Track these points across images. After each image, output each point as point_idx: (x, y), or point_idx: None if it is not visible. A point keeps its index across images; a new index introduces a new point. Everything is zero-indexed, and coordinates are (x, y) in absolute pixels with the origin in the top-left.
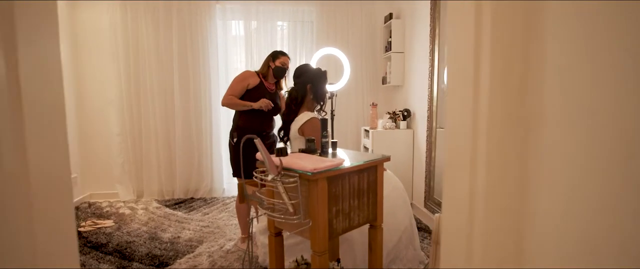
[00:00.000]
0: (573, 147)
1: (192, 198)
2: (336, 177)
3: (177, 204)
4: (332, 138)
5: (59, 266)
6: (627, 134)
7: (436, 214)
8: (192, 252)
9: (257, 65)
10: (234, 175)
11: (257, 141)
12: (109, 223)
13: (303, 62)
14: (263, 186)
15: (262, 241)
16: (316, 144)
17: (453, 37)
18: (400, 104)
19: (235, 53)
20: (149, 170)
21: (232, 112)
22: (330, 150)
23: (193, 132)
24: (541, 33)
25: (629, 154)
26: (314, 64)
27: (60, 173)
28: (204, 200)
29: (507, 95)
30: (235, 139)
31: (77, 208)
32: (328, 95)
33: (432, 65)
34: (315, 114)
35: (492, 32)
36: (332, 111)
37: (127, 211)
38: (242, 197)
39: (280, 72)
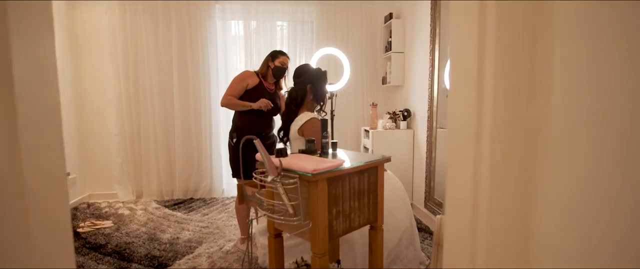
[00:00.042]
0: (579, 148)
1: (191, 199)
2: (336, 178)
3: (176, 204)
4: (332, 138)
5: (55, 267)
6: (635, 134)
7: (438, 216)
8: (192, 253)
9: (256, 65)
10: (234, 176)
11: (257, 142)
12: (107, 223)
13: (303, 63)
14: (263, 187)
15: (261, 242)
16: (316, 144)
17: (456, 37)
18: (400, 104)
19: (234, 53)
20: (148, 170)
21: (232, 112)
22: (330, 151)
23: (192, 132)
24: (547, 33)
25: (635, 155)
26: (313, 64)
27: (56, 173)
28: (203, 200)
29: (512, 95)
30: (234, 140)
31: (75, 209)
32: (328, 95)
33: (432, 66)
34: (315, 114)
35: (496, 31)
36: (332, 111)
37: (126, 212)
38: (242, 198)
39: (280, 72)
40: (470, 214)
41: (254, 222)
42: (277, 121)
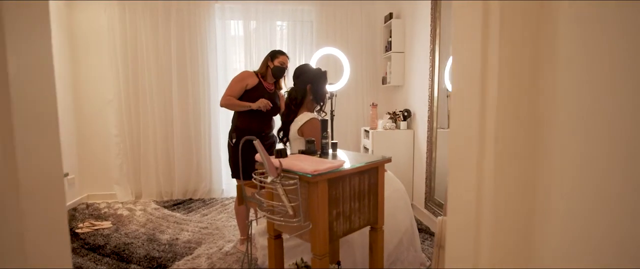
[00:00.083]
0: (582, 147)
1: (190, 199)
2: (337, 179)
3: (175, 205)
4: (332, 139)
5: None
6: (637, 134)
7: (439, 217)
8: (191, 254)
9: (256, 65)
10: (233, 176)
11: (257, 143)
12: (106, 224)
13: (302, 63)
14: (262, 188)
15: (261, 243)
16: (316, 145)
17: (459, 37)
18: (400, 104)
19: (234, 53)
20: (147, 171)
21: (231, 112)
22: (330, 151)
23: (192, 132)
24: (551, 33)
25: (637, 154)
26: (313, 64)
27: (52, 174)
28: (202, 201)
29: (516, 95)
30: (234, 140)
31: (74, 209)
32: (328, 95)
33: (432, 65)
34: (315, 114)
35: (500, 31)
36: (331, 111)
37: (125, 212)
38: (241, 199)
39: (279, 72)
40: (473, 215)
41: (254, 223)
42: (277, 121)
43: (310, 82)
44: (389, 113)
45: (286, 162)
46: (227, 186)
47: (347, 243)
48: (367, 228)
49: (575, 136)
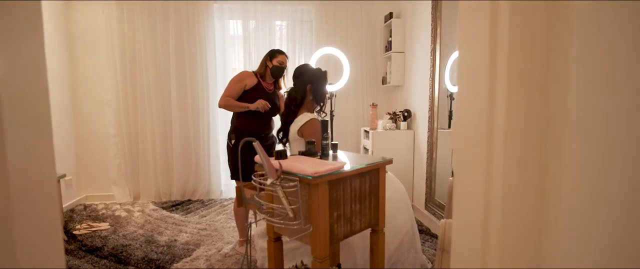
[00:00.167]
0: (597, 149)
1: (189, 200)
2: (337, 181)
3: (174, 206)
4: (331, 139)
5: None
6: None
7: (442, 220)
8: (189, 256)
9: (255, 65)
10: (232, 177)
11: (256, 144)
12: (104, 225)
13: (302, 63)
14: (262, 190)
15: (260, 245)
16: (316, 146)
17: (465, 38)
18: (400, 104)
19: (233, 53)
20: (145, 171)
21: (231, 112)
22: (330, 152)
23: (190, 133)
24: (564, 32)
25: None
26: (313, 64)
27: (45, 174)
28: (201, 202)
29: (527, 96)
30: (233, 141)
31: (72, 210)
32: (327, 95)
33: (433, 65)
34: (315, 115)
35: (510, 31)
36: (331, 112)
37: (123, 214)
38: (241, 200)
39: (278, 72)
40: (481, 216)
41: (253, 225)
42: (277, 121)
43: (310, 82)
44: (389, 113)
45: (286, 164)
46: (226, 187)
47: (347, 245)
48: (368, 230)
49: (588, 138)
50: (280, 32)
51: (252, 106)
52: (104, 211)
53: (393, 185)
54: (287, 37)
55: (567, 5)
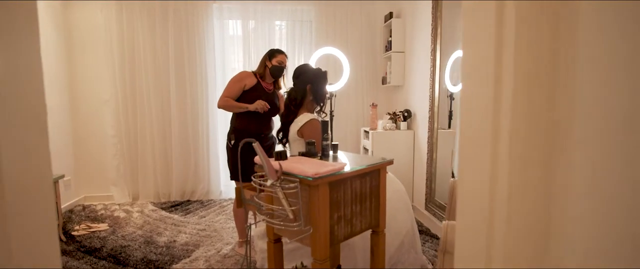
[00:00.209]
0: (603, 149)
1: (188, 201)
2: (338, 182)
3: (173, 206)
4: (331, 140)
5: None
6: None
7: (444, 222)
8: (189, 256)
9: (254, 65)
10: (232, 178)
11: (256, 145)
12: (103, 226)
13: (302, 63)
14: (262, 190)
15: (260, 245)
16: (316, 146)
17: (469, 38)
18: (400, 104)
19: (232, 53)
20: (144, 172)
21: (230, 113)
22: (331, 153)
23: (189, 133)
24: (572, 32)
25: None
26: (313, 64)
27: (40, 175)
28: (200, 203)
29: (533, 97)
30: (232, 142)
31: (70, 211)
32: (327, 95)
33: (433, 65)
34: (315, 115)
35: (516, 31)
36: (331, 112)
37: (122, 214)
38: (240, 201)
39: (277, 71)
40: (485, 218)
41: (252, 226)
42: (276, 121)
43: (310, 83)
44: (389, 113)
45: (286, 165)
46: (226, 187)
47: (347, 246)
48: (368, 230)
49: (594, 138)
50: (279, 32)
51: (251, 107)
52: (102, 211)
53: (393, 185)
54: (286, 37)
55: (575, 5)
